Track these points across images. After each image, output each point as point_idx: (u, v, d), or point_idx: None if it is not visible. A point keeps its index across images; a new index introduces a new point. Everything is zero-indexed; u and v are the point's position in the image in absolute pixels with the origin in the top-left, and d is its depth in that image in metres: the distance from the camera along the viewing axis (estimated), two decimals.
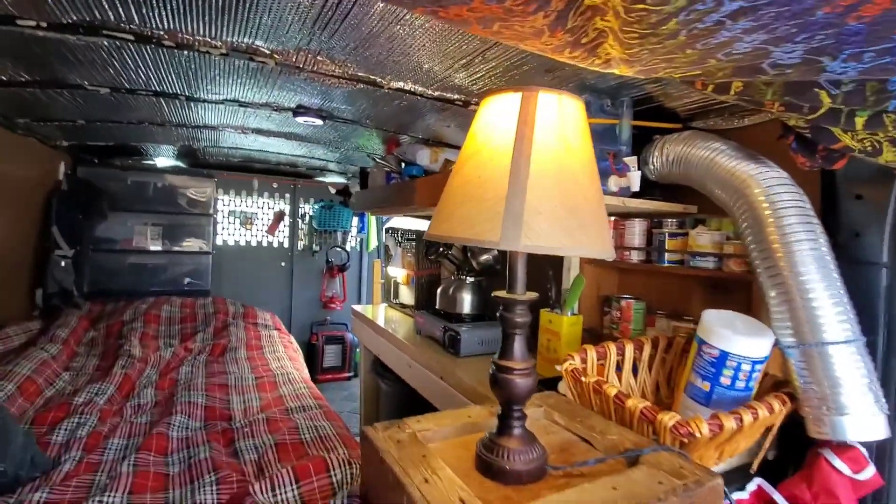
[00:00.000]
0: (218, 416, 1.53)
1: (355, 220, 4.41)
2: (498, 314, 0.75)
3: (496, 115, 0.67)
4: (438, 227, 0.69)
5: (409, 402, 2.44)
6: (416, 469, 0.71)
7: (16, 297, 2.39)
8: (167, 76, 1.43)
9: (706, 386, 0.98)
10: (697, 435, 0.78)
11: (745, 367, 0.94)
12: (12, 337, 1.98)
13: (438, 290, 2.15)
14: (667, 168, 1.29)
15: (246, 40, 1.13)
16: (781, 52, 0.60)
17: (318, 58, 1.21)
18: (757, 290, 1.14)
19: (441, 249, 2.40)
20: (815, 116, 0.81)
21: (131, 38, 1.11)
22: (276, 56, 1.21)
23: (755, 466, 0.95)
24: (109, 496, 1.00)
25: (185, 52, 1.21)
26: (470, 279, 2.10)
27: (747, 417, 0.83)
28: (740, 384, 0.95)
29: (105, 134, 2.41)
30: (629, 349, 1.14)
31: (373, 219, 4.33)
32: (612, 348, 1.12)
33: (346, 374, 4.17)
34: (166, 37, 1.11)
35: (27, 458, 1.07)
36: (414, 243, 2.60)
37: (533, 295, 0.74)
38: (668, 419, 0.80)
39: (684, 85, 0.78)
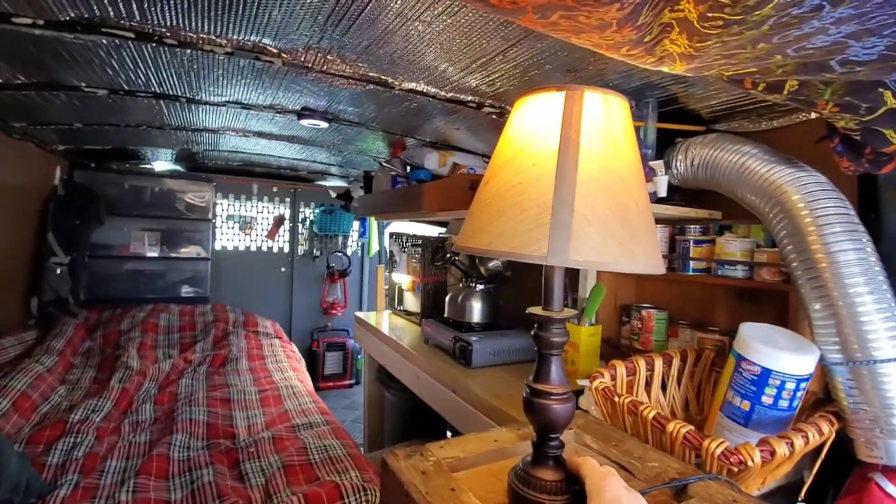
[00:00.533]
0: (221, 434, 1.46)
1: (356, 224, 4.35)
2: (532, 333, 0.69)
3: (536, 117, 0.60)
4: (470, 238, 0.62)
5: (416, 413, 2.38)
6: None
7: (10, 305, 2.31)
8: (168, 77, 1.37)
9: (746, 405, 0.91)
10: (750, 463, 0.72)
11: (790, 385, 0.88)
12: (7, 348, 1.90)
13: (447, 298, 2.08)
14: (691, 172, 1.23)
15: (253, 38, 1.07)
16: (860, 47, 0.54)
17: (329, 57, 1.15)
18: (794, 302, 1.08)
19: (448, 255, 2.33)
20: (873, 117, 0.76)
21: (132, 35, 1.05)
22: (283, 55, 1.15)
23: (803, 494, 0.88)
24: None
25: (188, 51, 1.15)
26: (479, 286, 2.03)
27: (798, 442, 0.77)
28: (783, 403, 0.89)
29: (102, 137, 2.35)
30: (658, 364, 1.08)
31: (374, 223, 4.26)
32: (642, 363, 1.05)
33: (348, 382, 4.10)
34: (168, 34, 1.05)
35: (22, 482, 1.00)
36: (419, 249, 2.54)
37: (572, 312, 0.68)
38: (716, 446, 0.74)
39: (731, 84, 0.72)
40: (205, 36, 1.06)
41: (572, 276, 1.58)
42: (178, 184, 3.28)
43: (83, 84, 1.42)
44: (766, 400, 0.89)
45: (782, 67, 0.62)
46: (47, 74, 1.33)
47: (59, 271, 2.40)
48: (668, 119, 1.29)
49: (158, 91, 1.52)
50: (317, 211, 4.10)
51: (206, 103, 1.67)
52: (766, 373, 0.88)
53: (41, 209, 2.48)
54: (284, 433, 1.44)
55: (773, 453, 0.74)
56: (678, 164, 1.25)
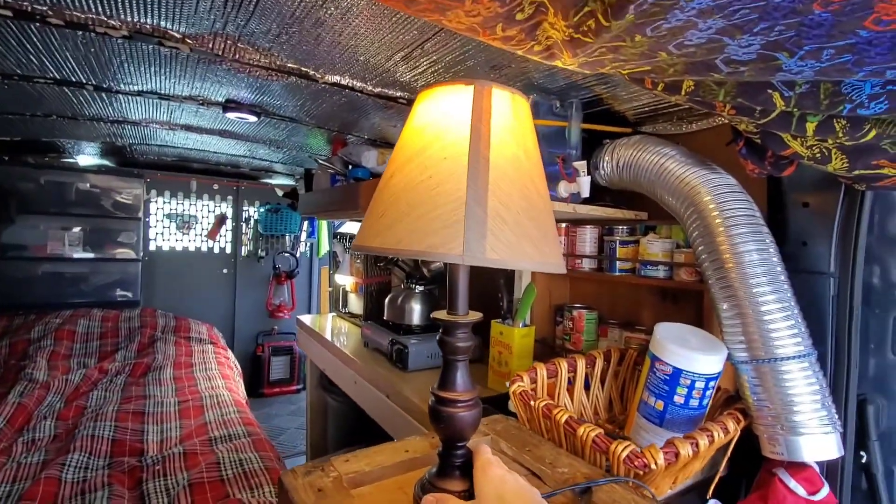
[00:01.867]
0: (127, 451, 1.34)
1: (305, 223, 4.21)
2: (438, 338, 0.66)
3: (445, 110, 0.57)
4: (376, 237, 0.56)
5: (360, 420, 2.31)
6: None
7: None
8: (65, 62, 1.25)
9: (660, 405, 0.92)
10: (653, 466, 0.71)
11: (699, 384, 0.89)
12: None
13: (387, 300, 2.03)
14: (617, 173, 1.24)
15: (150, 21, 0.98)
16: (737, 45, 0.54)
17: (239, 45, 1.07)
18: (707, 301, 1.10)
19: (391, 257, 2.28)
20: (767, 120, 0.77)
21: (8, 13, 0.94)
22: (188, 41, 1.06)
23: (711, 491, 0.90)
24: None
25: (80, 33, 1.04)
26: (420, 288, 1.99)
27: (703, 442, 0.78)
28: (694, 402, 0.90)
29: (8, 127, 2.14)
30: (581, 365, 1.08)
31: (324, 223, 4.14)
32: (564, 365, 1.05)
33: (295, 387, 3.97)
34: (51, 13, 0.95)
35: None
36: None
37: (477, 316, 0.65)
38: (622, 449, 0.73)
39: (633, 84, 0.71)
40: (94, 16, 0.96)
41: (507, 277, 1.57)
42: (104, 180, 3.05)
43: None
44: (678, 399, 0.90)
45: (673, 67, 0.61)
46: None
47: None
48: (597, 120, 1.30)
49: (59, 77, 1.39)
50: (262, 210, 3.94)
51: (118, 92, 1.55)
52: (678, 372, 0.89)
53: None
54: (199, 447, 1.35)
55: (677, 455, 0.74)
56: (605, 164, 1.26)
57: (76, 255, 2.93)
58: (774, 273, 0.91)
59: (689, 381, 0.89)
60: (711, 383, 0.90)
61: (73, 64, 1.26)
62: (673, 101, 0.74)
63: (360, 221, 2.53)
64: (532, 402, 0.88)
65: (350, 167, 2.09)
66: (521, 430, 0.93)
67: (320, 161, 2.15)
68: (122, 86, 1.47)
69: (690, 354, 0.88)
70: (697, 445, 0.77)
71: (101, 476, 1.17)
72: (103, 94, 1.59)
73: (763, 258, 0.91)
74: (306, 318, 2.64)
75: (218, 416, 1.60)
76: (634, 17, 0.40)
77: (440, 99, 0.58)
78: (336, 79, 1.27)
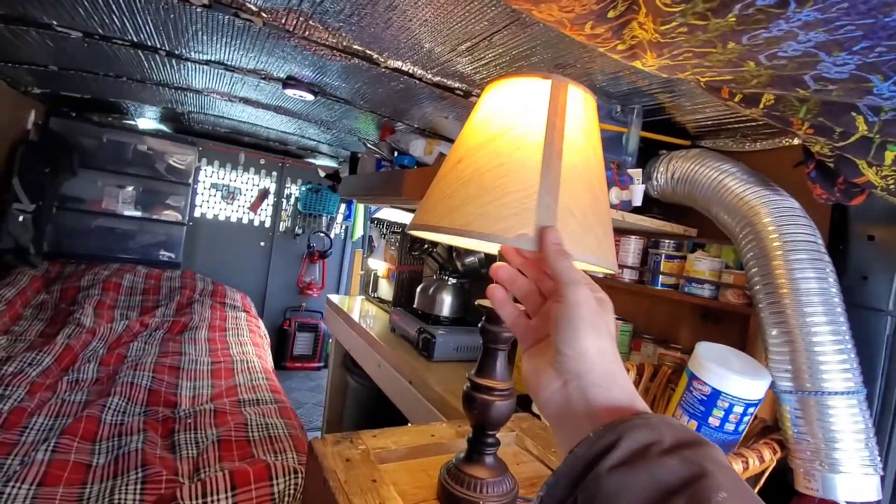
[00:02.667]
0: (162, 402, 1.40)
1: (343, 206, 4.29)
2: (480, 326, 0.66)
3: (519, 101, 0.57)
4: (443, 218, 0.55)
5: (378, 402, 2.35)
6: (362, 497, 0.61)
7: None
8: (144, 25, 1.31)
9: (693, 425, 0.90)
10: None
11: (738, 408, 0.86)
12: None
13: (418, 289, 2.05)
14: (671, 186, 1.21)
15: None
16: (832, 62, 0.51)
17: (311, 22, 1.10)
18: (754, 326, 1.06)
19: (426, 246, 2.30)
20: (845, 144, 0.74)
21: None
22: (263, 14, 1.10)
23: None
24: (14, 487, 0.88)
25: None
26: (452, 280, 2.00)
27: (737, 467, 0.76)
28: (730, 427, 0.87)
29: (81, 85, 2.26)
30: None
31: (361, 207, 4.20)
32: None
33: (316, 364, 4.05)
34: None
35: None
36: (399, 236, 2.50)
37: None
38: None
39: (708, 93, 0.69)
40: None
41: None
42: (161, 143, 3.18)
43: (54, 22, 1.35)
44: (713, 422, 0.88)
45: (757, 78, 0.59)
46: (14, 6, 1.26)
47: (21, 219, 2.31)
48: (655, 129, 1.27)
49: (136, 40, 1.45)
50: (303, 188, 4.03)
51: (187, 59, 1.61)
52: (716, 394, 0.86)
53: (8, 152, 2.38)
54: (228, 407, 1.40)
55: None
56: (659, 175, 1.23)
57: (127, 213, 3.07)
58: (832, 304, 0.87)
59: (727, 404, 0.86)
60: (750, 409, 0.87)
61: (151, 28, 1.32)
62: (747, 113, 0.72)
63: (401, 208, 2.56)
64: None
65: (396, 154, 2.11)
66: (546, 430, 0.93)
67: (368, 145, 2.19)
68: (192, 54, 1.53)
69: (732, 377, 0.85)
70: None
71: (137, 422, 1.24)
72: (173, 61, 1.65)
73: (822, 288, 0.87)
74: (336, 298, 2.69)
75: (247, 381, 1.66)
76: (736, 19, 0.39)
77: (515, 89, 0.58)
78: (398, 64, 1.28)
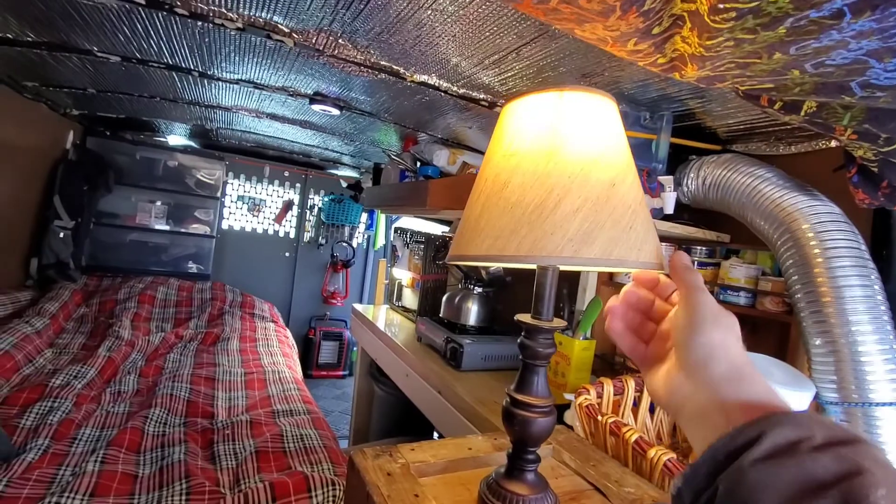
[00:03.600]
0: (200, 413, 1.44)
1: (364, 216, 4.34)
2: (519, 341, 0.66)
3: (589, 118, 0.58)
4: (578, 250, 0.52)
5: (404, 411, 2.35)
6: None
7: (9, 265, 2.32)
8: (180, 49, 1.36)
9: None
10: None
11: None
12: None
13: (444, 298, 2.06)
14: (702, 192, 1.20)
15: (264, 15, 1.05)
16: (882, 68, 0.50)
17: (340, 41, 1.12)
18: (795, 335, 1.04)
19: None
20: (890, 149, 0.72)
21: (142, 2, 1.03)
22: (295, 35, 1.13)
23: None
24: (69, 497, 0.91)
25: (199, 24, 1.13)
26: (478, 289, 2.00)
27: None
28: None
29: (116, 105, 2.35)
30: None
31: (382, 217, 4.25)
32: (631, 383, 1.02)
33: (341, 373, 4.09)
34: (179, 3, 1.03)
35: None
36: (423, 246, 2.51)
37: (562, 323, 0.65)
38: None
39: (747, 100, 0.68)
40: (216, 9, 1.04)
41: (571, 287, 1.54)
42: (190, 159, 3.29)
43: (95, 48, 1.41)
44: None
45: (800, 86, 0.58)
46: (58, 35, 1.32)
47: (62, 235, 2.41)
48: (684, 135, 1.25)
49: (171, 63, 1.51)
50: (326, 199, 4.09)
51: (218, 79, 1.66)
52: None
53: (49, 171, 2.49)
54: (263, 418, 1.42)
55: None
56: (690, 182, 1.21)
57: (159, 227, 3.17)
58: (878, 312, 0.84)
59: None
60: None
61: (187, 51, 1.37)
62: (786, 120, 0.70)
63: (424, 217, 2.58)
64: (599, 417, 0.87)
65: (419, 164, 2.13)
66: (583, 443, 0.92)
67: (392, 156, 2.21)
68: (223, 74, 1.58)
69: (775, 388, 0.83)
70: None
71: (178, 433, 1.27)
72: (205, 81, 1.71)
73: (866, 295, 0.84)
74: (361, 308, 2.72)
75: (280, 392, 1.68)
76: (786, 31, 0.39)
77: (586, 105, 0.58)
78: (424, 78, 1.30)
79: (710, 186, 1.16)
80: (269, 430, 1.32)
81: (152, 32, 1.24)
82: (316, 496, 0.94)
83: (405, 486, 0.68)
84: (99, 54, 1.46)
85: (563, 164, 0.56)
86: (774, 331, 1.15)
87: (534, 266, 0.68)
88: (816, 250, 0.91)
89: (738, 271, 1.14)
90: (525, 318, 0.66)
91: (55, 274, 2.44)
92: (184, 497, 0.96)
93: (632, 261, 0.53)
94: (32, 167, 2.40)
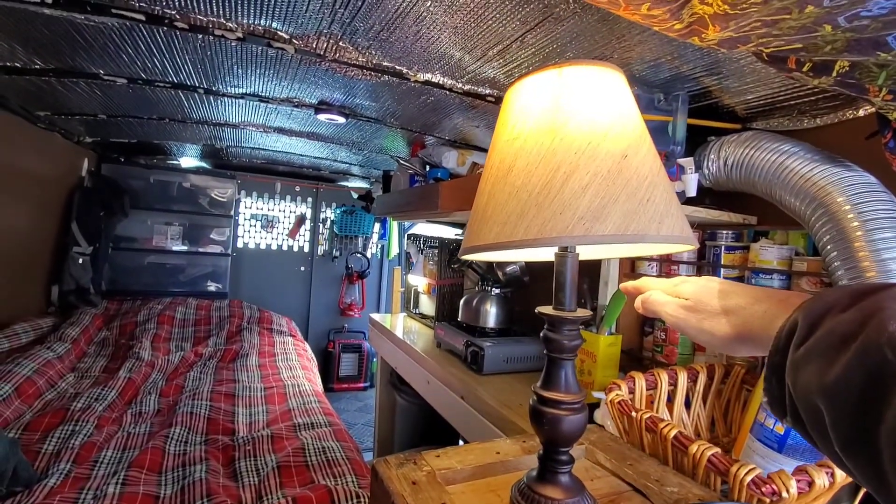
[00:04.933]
0: (220, 430, 1.42)
1: (377, 226, 4.33)
2: (542, 335, 0.62)
3: (594, 90, 0.55)
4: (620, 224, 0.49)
5: (428, 419, 2.31)
6: None
7: (31, 293, 2.35)
8: (183, 65, 1.36)
9: (780, 428, 0.82)
10: (784, 495, 0.63)
11: None
12: (20, 335, 1.92)
13: (461, 302, 2.02)
14: (724, 173, 1.15)
15: (263, 23, 1.04)
16: None
17: (340, 44, 1.11)
18: None
19: (465, 259, 2.27)
20: None
21: (142, 17, 1.03)
22: (295, 41, 1.12)
23: None
24: None
25: (200, 37, 1.13)
26: (495, 291, 1.96)
27: (840, 471, 0.68)
28: None
29: (127, 131, 2.39)
30: (682, 378, 0.99)
31: (395, 225, 4.24)
32: (664, 377, 0.97)
33: (362, 385, 4.07)
34: (178, 17, 1.03)
35: (8, 469, 0.98)
36: (436, 251, 2.48)
37: (586, 313, 0.61)
38: (745, 472, 0.65)
39: (771, 65, 0.64)
40: (214, 19, 1.04)
41: (591, 281, 1.49)
42: (202, 180, 3.32)
43: (101, 71, 1.42)
44: None
45: (831, 44, 0.54)
46: (64, 60, 1.33)
47: (81, 261, 2.44)
48: (701, 115, 1.21)
49: (176, 81, 1.52)
50: (338, 211, 4.10)
51: (224, 95, 1.67)
52: None
53: (66, 199, 2.53)
54: (284, 432, 1.40)
55: (811, 483, 0.65)
56: (710, 164, 1.16)
57: (175, 248, 3.21)
58: None
59: None
60: None
61: (190, 67, 1.37)
62: (815, 84, 0.66)
63: (436, 222, 2.55)
64: (633, 413, 0.82)
65: (428, 168, 2.11)
66: (617, 442, 0.87)
67: (401, 161, 2.20)
68: (228, 88, 1.58)
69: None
70: (833, 476, 0.67)
71: (199, 451, 1.25)
72: (211, 98, 1.72)
73: None
74: (378, 317, 2.69)
75: (300, 405, 1.66)
76: None
77: (601, 79, 0.56)
78: (427, 77, 1.27)
79: (733, 167, 1.11)
80: (290, 444, 1.30)
81: (155, 50, 1.25)
82: None
83: (432, 494, 0.64)
84: (105, 77, 1.47)
85: (569, 140, 0.53)
86: None
87: (551, 257, 0.64)
88: (855, 223, 0.85)
89: (769, 253, 1.08)
90: (547, 309, 0.62)
91: (76, 300, 2.47)
92: None
93: (652, 235, 0.49)
94: (50, 196, 2.45)
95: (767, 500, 0.65)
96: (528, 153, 0.54)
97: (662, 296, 0.55)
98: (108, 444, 1.28)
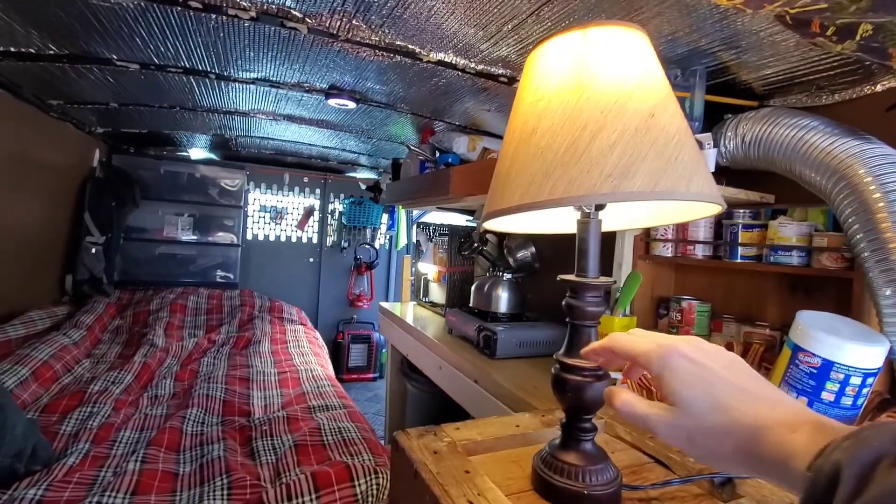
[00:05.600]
0: (236, 412, 1.44)
1: (385, 216, 4.33)
2: (564, 302, 0.62)
3: (619, 49, 0.55)
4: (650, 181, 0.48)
5: (438, 407, 2.32)
6: (458, 488, 0.58)
7: (45, 282, 2.38)
8: (196, 49, 1.36)
9: (803, 401, 0.81)
10: None
11: (855, 380, 0.77)
12: (36, 321, 1.95)
13: (473, 287, 2.02)
14: (742, 151, 1.13)
15: (277, 1, 1.04)
16: None
17: (354, 22, 1.10)
18: (858, 290, 0.96)
19: (475, 245, 2.27)
20: None
21: None
22: (308, 20, 1.11)
23: None
24: (110, 496, 0.91)
25: (213, 17, 1.13)
26: (507, 276, 1.96)
27: None
28: (847, 401, 0.79)
29: (138, 120, 2.40)
30: None
31: (403, 216, 4.24)
32: None
33: (372, 375, 4.08)
34: None
35: (27, 448, 0.99)
36: (446, 238, 2.48)
37: (609, 280, 0.60)
38: None
39: (794, 29, 0.63)
40: None
41: (605, 262, 1.49)
42: (212, 170, 3.34)
43: (114, 56, 1.42)
44: (827, 396, 0.79)
45: (857, 3, 0.53)
46: (78, 44, 1.34)
47: (94, 251, 2.46)
48: (718, 92, 1.19)
49: (188, 66, 1.52)
50: (346, 202, 4.10)
51: (235, 80, 1.67)
52: (828, 365, 0.78)
53: (79, 190, 2.55)
54: (300, 414, 1.41)
55: None
56: (728, 141, 1.15)
57: (186, 238, 3.23)
58: None
59: (841, 376, 0.78)
60: (869, 380, 0.78)
61: (202, 51, 1.37)
62: (838, 49, 0.64)
63: (446, 209, 2.54)
64: (653, 388, 0.82)
65: (439, 154, 2.10)
66: None
67: (411, 147, 2.19)
68: (240, 73, 1.58)
69: (845, 345, 0.77)
70: None
71: (216, 431, 1.27)
72: (222, 83, 1.72)
73: None
74: (388, 305, 2.70)
75: (314, 388, 1.67)
76: None
77: (627, 40, 0.55)
78: (440, 56, 1.27)
79: (751, 144, 1.10)
80: (306, 424, 1.31)
81: (168, 33, 1.25)
82: (359, 485, 0.92)
83: (454, 462, 0.65)
84: (118, 63, 1.48)
85: (595, 99, 0.52)
86: (831, 290, 1.08)
87: (571, 228, 0.64)
88: (877, 195, 0.84)
89: (788, 230, 1.07)
90: (569, 276, 0.62)
91: (89, 289, 2.49)
92: (225, 491, 0.95)
93: (682, 192, 0.49)
94: (62, 186, 2.47)
95: None
96: (552, 113, 0.54)
97: (636, 398, 0.42)
98: (125, 425, 1.30)
